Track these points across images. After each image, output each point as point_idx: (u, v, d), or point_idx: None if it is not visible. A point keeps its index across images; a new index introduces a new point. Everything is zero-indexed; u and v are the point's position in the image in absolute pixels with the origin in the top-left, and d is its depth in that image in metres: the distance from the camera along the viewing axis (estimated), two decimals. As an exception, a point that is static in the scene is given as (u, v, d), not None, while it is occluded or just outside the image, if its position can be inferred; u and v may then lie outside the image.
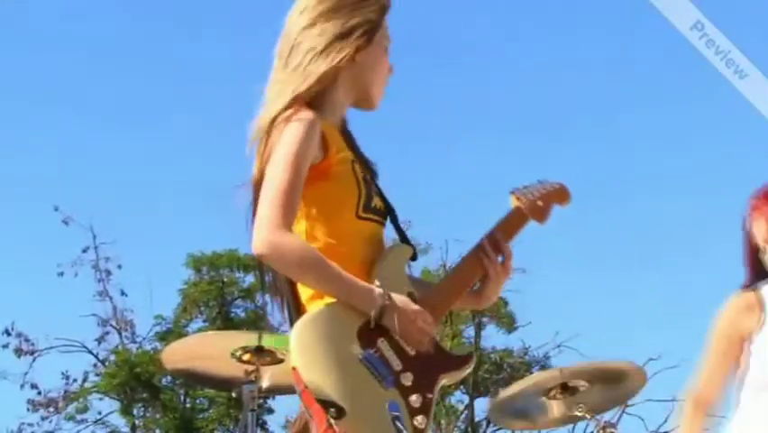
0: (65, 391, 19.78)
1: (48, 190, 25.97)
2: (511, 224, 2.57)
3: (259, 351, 4.16)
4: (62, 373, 19.82)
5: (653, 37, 22.84)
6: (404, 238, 2.53)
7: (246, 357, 4.20)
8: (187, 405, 20.20)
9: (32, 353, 19.47)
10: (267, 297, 2.53)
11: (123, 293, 19.99)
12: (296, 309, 2.42)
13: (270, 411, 18.77)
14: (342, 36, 2.42)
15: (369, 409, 2.23)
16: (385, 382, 2.26)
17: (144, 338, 20.35)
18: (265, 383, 4.23)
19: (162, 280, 25.72)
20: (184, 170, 26.32)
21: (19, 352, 19.39)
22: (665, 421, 19.58)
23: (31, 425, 19.38)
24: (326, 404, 2.20)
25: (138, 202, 26.03)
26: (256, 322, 19.56)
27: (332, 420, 2.21)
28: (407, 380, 2.28)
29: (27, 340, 19.43)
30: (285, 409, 23.92)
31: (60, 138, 25.64)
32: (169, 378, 19.21)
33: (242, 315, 20.73)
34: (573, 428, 18.24)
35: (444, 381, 2.35)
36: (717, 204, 24.72)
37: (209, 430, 19.85)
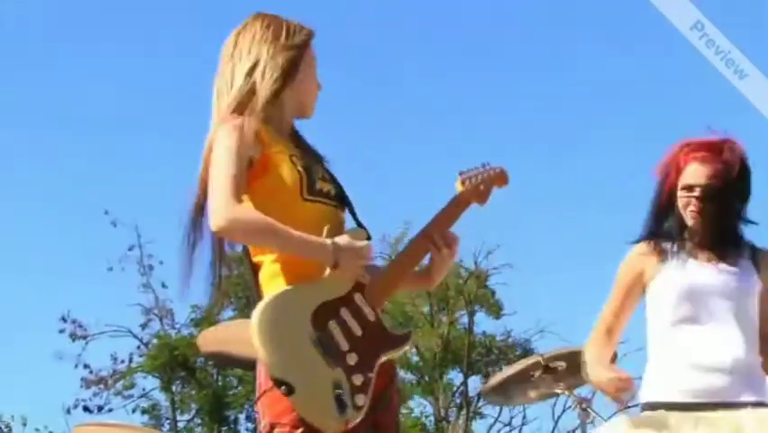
0: (113, 371, 19.84)
1: (98, 197, 25.96)
2: (456, 207, 2.47)
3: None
4: (111, 355, 19.90)
5: (654, 37, 21.64)
6: (358, 223, 2.46)
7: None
8: (219, 383, 20.20)
9: (85, 337, 19.54)
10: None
11: (163, 285, 20.04)
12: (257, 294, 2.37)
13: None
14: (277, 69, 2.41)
15: (316, 387, 2.18)
16: (332, 362, 2.21)
17: (182, 325, 20.41)
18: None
19: (198, 275, 25.65)
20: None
21: (74, 336, 19.47)
22: (632, 397, 19.50)
23: (84, 400, 19.44)
24: (278, 382, 2.17)
25: (178, 207, 26.02)
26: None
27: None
28: (352, 360, 2.23)
29: (81, 326, 19.51)
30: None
31: (108, 151, 25.67)
32: (203, 359, 19.22)
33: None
34: (554, 403, 18.24)
35: (384, 358, 2.29)
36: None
37: (238, 404, 19.86)
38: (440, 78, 27.32)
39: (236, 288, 20.54)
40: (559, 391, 4.42)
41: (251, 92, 2.38)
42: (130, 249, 19.74)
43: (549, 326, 20.41)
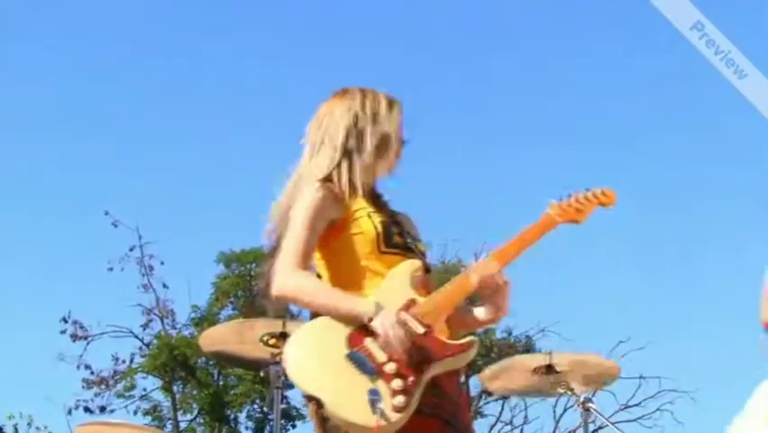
0: (114, 371, 19.84)
1: (99, 197, 25.96)
2: (536, 229, 2.60)
3: (283, 336, 4.17)
4: (112, 356, 19.91)
5: (654, 37, 21.51)
6: (427, 269, 2.62)
7: (272, 342, 4.22)
8: (220, 383, 20.21)
9: (86, 338, 19.54)
10: None
11: (164, 286, 20.08)
12: None
13: (291, 387, 18.77)
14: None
15: (347, 397, 2.32)
16: (369, 374, 2.35)
17: (183, 325, 20.42)
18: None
19: (198, 275, 25.70)
20: (216, 180, 26.29)
21: (75, 337, 19.45)
22: (633, 396, 19.59)
23: (85, 401, 19.44)
24: (309, 399, 2.36)
25: (178, 207, 26.06)
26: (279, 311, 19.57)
27: (319, 411, 2.36)
28: (390, 369, 2.36)
29: (82, 327, 19.48)
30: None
31: (108, 151, 25.68)
32: (203, 359, 19.24)
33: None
34: (556, 403, 18.28)
35: (438, 368, 2.41)
36: (708, 203, 24.30)
37: (238, 404, 19.87)
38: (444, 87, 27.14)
39: (235, 287, 20.59)
40: (561, 391, 4.44)
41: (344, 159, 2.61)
42: (131, 249, 19.79)
43: (551, 325, 20.43)
